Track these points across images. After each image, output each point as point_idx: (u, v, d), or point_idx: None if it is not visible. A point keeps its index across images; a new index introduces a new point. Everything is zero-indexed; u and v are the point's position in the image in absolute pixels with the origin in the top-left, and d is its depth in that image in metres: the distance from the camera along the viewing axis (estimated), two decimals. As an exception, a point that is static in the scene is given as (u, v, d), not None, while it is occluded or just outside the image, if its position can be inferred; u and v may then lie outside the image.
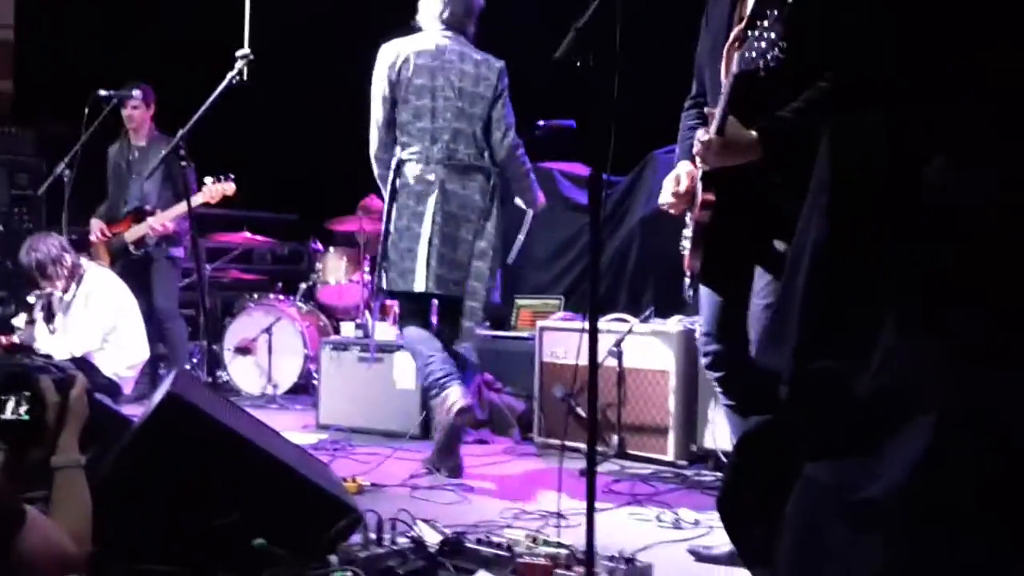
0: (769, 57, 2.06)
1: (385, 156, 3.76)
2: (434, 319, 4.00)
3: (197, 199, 4.97)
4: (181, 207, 5.14)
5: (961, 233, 1.58)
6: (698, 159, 2.41)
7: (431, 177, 3.66)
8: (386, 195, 3.78)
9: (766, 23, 2.07)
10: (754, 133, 2.27)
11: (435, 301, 3.91)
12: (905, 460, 1.33)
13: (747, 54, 2.11)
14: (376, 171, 3.83)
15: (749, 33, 2.12)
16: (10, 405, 1.84)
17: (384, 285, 3.78)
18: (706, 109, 2.42)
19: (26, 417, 1.84)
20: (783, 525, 1.58)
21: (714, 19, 2.50)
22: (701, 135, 2.35)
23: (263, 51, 4.09)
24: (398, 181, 3.72)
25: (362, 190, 7.25)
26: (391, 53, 3.72)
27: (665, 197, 2.57)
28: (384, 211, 3.78)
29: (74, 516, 1.85)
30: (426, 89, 3.67)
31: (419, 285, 3.66)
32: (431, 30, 3.77)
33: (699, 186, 2.43)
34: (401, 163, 3.71)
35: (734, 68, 2.17)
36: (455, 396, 3.49)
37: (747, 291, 2.44)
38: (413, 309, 3.85)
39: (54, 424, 1.90)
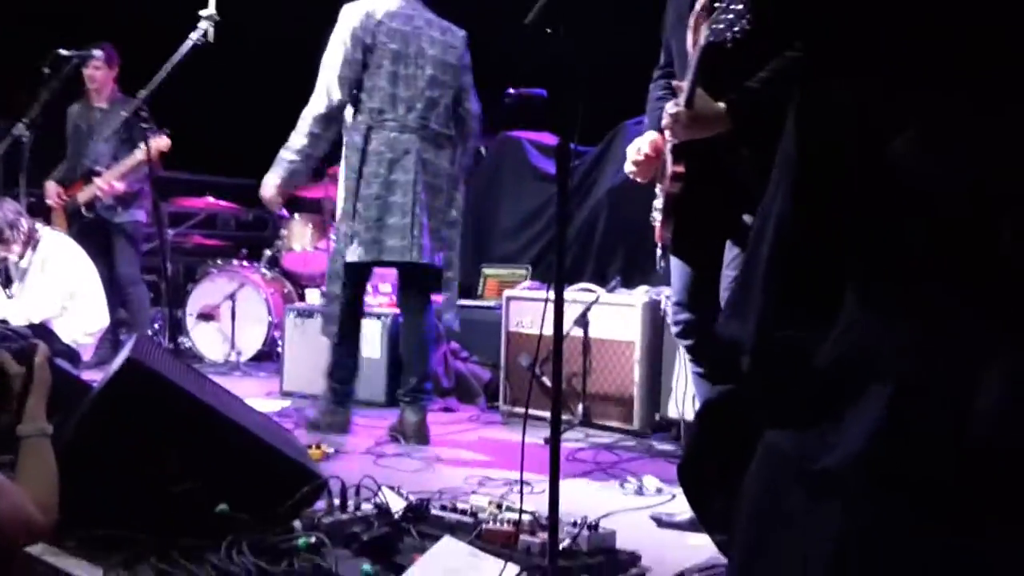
0: (736, 29, 2.05)
1: (338, 116, 3.61)
2: (392, 290, 3.98)
3: (136, 156, 4.90)
4: (124, 165, 5.06)
5: (928, 208, 1.59)
6: (667, 132, 2.40)
7: (407, 146, 3.57)
8: (345, 160, 3.67)
9: None
10: (722, 105, 2.27)
11: (395, 272, 3.87)
12: (862, 429, 1.35)
13: (714, 26, 2.10)
14: (312, 130, 3.59)
15: (716, 4, 2.11)
16: None
17: (349, 257, 3.61)
18: (674, 82, 2.41)
19: None
20: (741, 491, 1.60)
21: None
22: (670, 107, 2.35)
23: (229, 10, 4.02)
24: (368, 148, 3.58)
25: (330, 157, 7.19)
26: (359, 12, 3.58)
27: (627, 166, 2.57)
28: (344, 177, 3.65)
29: (41, 484, 1.84)
30: (400, 55, 3.59)
31: (396, 255, 3.57)
32: None
33: (669, 158, 2.43)
34: (370, 128, 3.59)
35: (701, 40, 2.17)
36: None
37: (718, 261, 2.45)
38: (356, 280, 3.73)
39: (19, 394, 1.88)
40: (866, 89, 1.79)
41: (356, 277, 3.71)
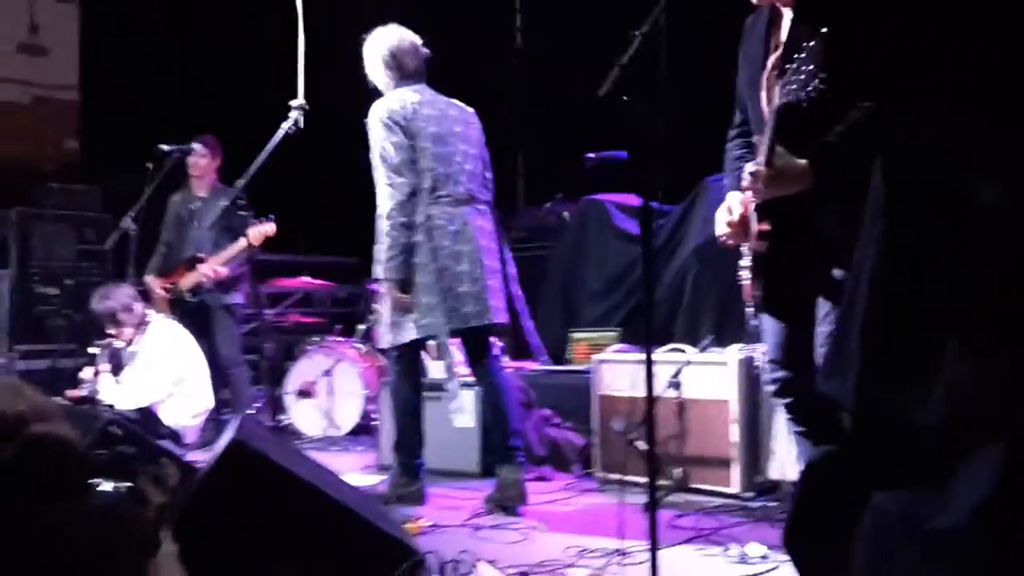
0: (810, 88, 2.05)
1: (413, 198, 3.67)
2: (461, 354, 4.05)
3: (240, 243, 5.10)
4: (229, 252, 5.27)
5: (1020, 256, 1.54)
6: (749, 191, 2.39)
7: (464, 218, 3.74)
8: (415, 243, 3.68)
9: (803, 54, 2.06)
10: (803, 162, 2.25)
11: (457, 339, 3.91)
12: (974, 490, 1.29)
13: (788, 87, 2.10)
14: (400, 220, 3.64)
15: (787, 65, 2.11)
16: (105, 487, 1.89)
17: (422, 332, 3.71)
18: (754, 138, 2.41)
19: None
20: (851, 557, 1.54)
21: (750, 48, 2.51)
22: (750, 167, 2.34)
23: (320, 99, 4.21)
24: (431, 224, 3.67)
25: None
26: (394, 104, 3.74)
27: (720, 229, 2.56)
28: (415, 260, 3.67)
29: None
30: (439, 136, 3.77)
31: (474, 320, 3.69)
32: (405, 84, 3.84)
33: (753, 216, 2.42)
34: (429, 207, 3.70)
35: (776, 100, 2.17)
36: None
37: (810, 317, 2.41)
38: (415, 354, 3.91)
39: (153, 520, 1.95)
40: (952, 137, 1.76)
41: (415, 351, 3.88)
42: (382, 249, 3.73)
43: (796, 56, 2.08)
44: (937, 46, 1.64)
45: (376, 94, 3.88)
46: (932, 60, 1.65)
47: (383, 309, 3.83)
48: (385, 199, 3.70)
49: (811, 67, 2.02)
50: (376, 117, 3.75)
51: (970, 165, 1.61)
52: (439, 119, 3.80)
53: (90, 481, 2.00)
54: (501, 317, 3.79)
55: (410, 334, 3.74)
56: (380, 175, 3.74)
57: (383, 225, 3.71)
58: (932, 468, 1.51)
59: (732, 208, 2.50)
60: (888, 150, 1.79)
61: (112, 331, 4.71)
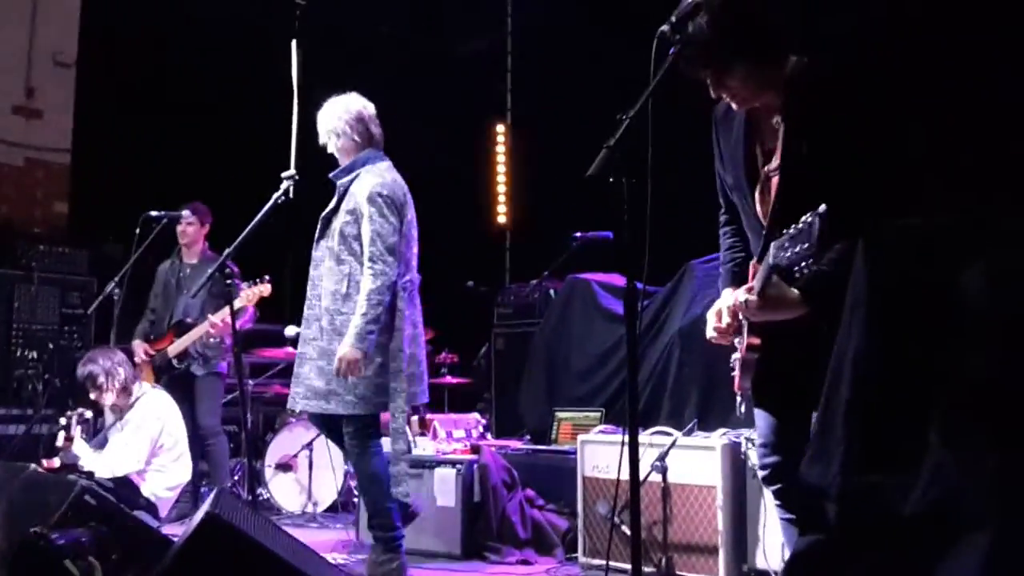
0: (804, 266, 2.05)
1: (393, 287, 3.68)
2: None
3: (237, 303, 5.07)
4: (225, 310, 5.23)
5: (1005, 342, 1.55)
6: (740, 314, 2.40)
7: (416, 303, 3.85)
8: (397, 320, 3.72)
9: (801, 227, 2.02)
10: (796, 292, 2.26)
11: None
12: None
13: (781, 254, 2.09)
14: (386, 299, 3.63)
15: (783, 231, 2.08)
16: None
17: (408, 403, 3.76)
18: (752, 263, 2.40)
19: None
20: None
21: (727, 147, 2.50)
22: (741, 295, 2.36)
23: (309, 167, 4.26)
24: (406, 311, 3.73)
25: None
26: (395, 185, 3.77)
27: (709, 331, 2.56)
28: (399, 337, 3.69)
29: None
30: (412, 223, 3.85)
31: (423, 398, 3.88)
32: (372, 152, 3.85)
33: (745, 328, 2.42)
34: (407, 292, 3.77)
35: (769, 260, 2.15)
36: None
37: (801, 407, 2.39)
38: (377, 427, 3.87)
39: None
40: (934, 223, 1.79)
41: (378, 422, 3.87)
42: (369, 319, 3.60)
43: (791, 226, 2.05)
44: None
45: (330, 158, 3.91)
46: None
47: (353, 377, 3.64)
48: (376, 273, 3.61)
49: (806, 245, 2.00)
50: (376, 193, 3.68)
51: (956, 251, 1.64)
52: (412, 204, 3.87)
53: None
54: (426, 397, 3.90)
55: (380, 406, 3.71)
56: (366, 252, 3.64)
57: (371, 297, 3.59)
58: (915, 560, 1.49)
59: (722, 313, 2.49)
60: (871, 238, 1.82)
61: (93, 395, 4.65)
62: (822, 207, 1.97)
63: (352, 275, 3.69)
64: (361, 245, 3.68)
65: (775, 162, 2.35)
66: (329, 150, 3.93)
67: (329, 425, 3.88)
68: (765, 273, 2.23)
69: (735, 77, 2.29)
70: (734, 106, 2.41)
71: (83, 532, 2.19)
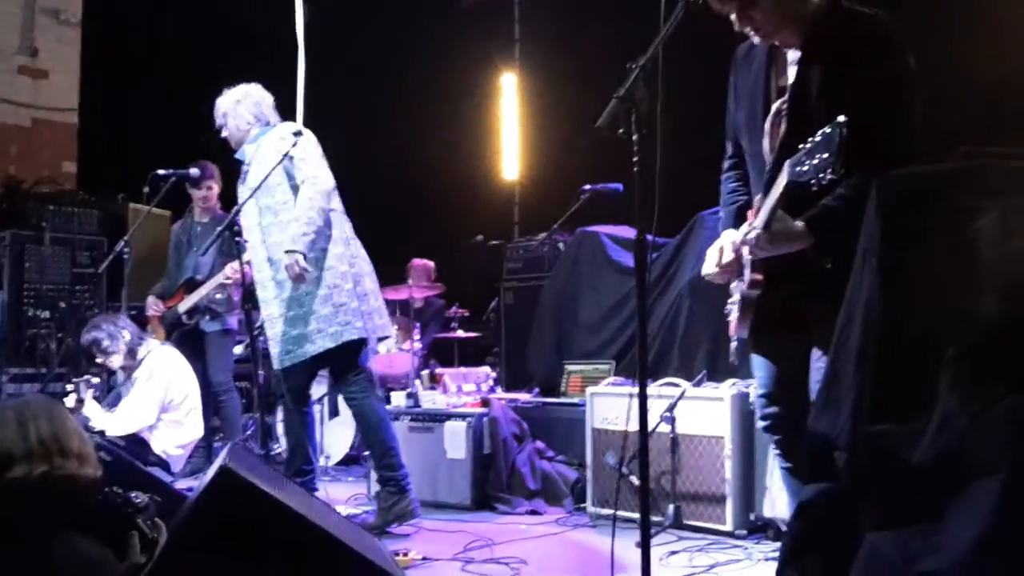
0: (822, 176, 2.00)
1: None
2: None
3: (237, 264, 5.07)
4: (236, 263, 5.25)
5: (1017, 289, 1.54)
6: (745, 249, 2.38)
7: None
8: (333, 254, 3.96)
9: (819, 139, 1.99)
10: (800, 224, 2.24)
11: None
12: (967, 531, 1.27)
13: (798, 168, 2.05)
14: (320, 224, 3.88)
15: (800, 146, 2.06)
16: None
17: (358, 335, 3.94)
18: (756, 199, 2.39)
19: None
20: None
21: (746, 84, 2.49)
22: (747, 229, 2.34)
23: (315, 124, 4.23)
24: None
25: (408, 255, 7.35)
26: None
27: (708, 268, 2.55)
28: (332, 269, 3.92)
29: None
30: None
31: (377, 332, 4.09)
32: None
33: (748, 265, 2.41)
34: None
35: (784, 178, 2.14)
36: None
37: (801, 354, 2.39)
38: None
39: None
40: (948, 168, 1.76)
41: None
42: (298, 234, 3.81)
43: (810, 140, 2.02)
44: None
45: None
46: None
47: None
48: (303, 187, 3.87)
49: (826, 155, 1.96)
50: (313, 143, 3.99)
51: (970, 197, 1.62)
52: None
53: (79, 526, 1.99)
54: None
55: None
56: (304, 189, 3.87)
57: (304, 211, 3.82)
58: (925, 508, 1.49)
59: (724, 249, 2.49)
60: (886, 179, 1.80)
61: (100, 360, 4.68)
62: (841, 117, 1.95)
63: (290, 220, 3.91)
64: (288, 188, 3.94)
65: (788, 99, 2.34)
66: (223, 135, 4.21)
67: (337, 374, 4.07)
68: (774, 202, 2.20)
69: (760, 8, 2.29)
70: (756, 40, 2.39)
71: (143, 495, 2.25)
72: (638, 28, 2.50)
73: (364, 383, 4.00)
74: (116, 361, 4.71)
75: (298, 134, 3.91)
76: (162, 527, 2.15)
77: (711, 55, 2.77)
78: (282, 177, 3.93)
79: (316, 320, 3.86)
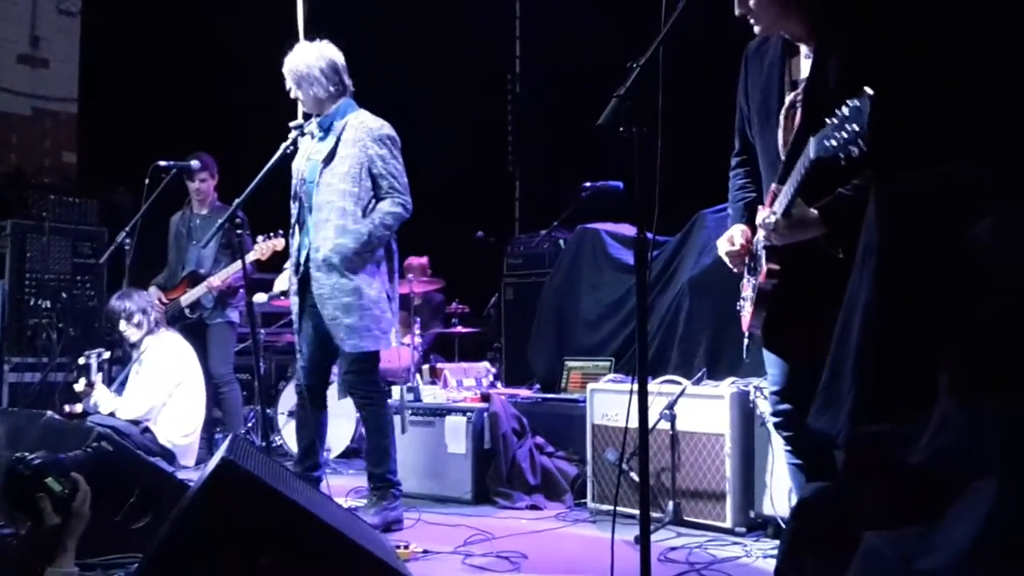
0: (853, 148, 1.95)
1: None
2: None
3: (250, 256, 5.09)
4: (236, 266, 5.27)
5: (1014, 294, 1.55)
6: (761, 233, 2.39)
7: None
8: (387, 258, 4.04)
9: (846, 112, 1.96)
10: (815, 212, 2.26)
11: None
12: (964, 531, 1.29)
13: (826, 142, 2.01)
14: (390, 236, 4.00)
15: (828, 120, 2.01)
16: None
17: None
18: (773, 186, 2.39)
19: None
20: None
21: (758, 77, 2.49)
22: (765, 214, 2.34)
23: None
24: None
25: (404, 252, 7.35)
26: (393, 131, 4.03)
27: (721, 252, 2.57)
28: (388, 272, 4.03)
29: None
30: None
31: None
32: (346, 101, 4.03)
33: (763, 254, 2.42)
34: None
35: (811, 154, 2.08)
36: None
37: (813, 352, 2.40)
38: None
39: (51, 540, 1.94)
40: (946, 175, 1.77)
41: None
42: (358, 247, 3.85)
43: (837, 112, 1.98)
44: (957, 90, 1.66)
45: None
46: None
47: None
48: (386, 203, 3.88)
49: (855, 127, 1.93)
50: (388, 135, 3.92)
51: (967, 203, 1.62)
52: None
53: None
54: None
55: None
56: (384, 185, 3.88)
57: (378, 217, 3.87)
58: (922, 507, 1.50)
59: (734, 238, 2.51)
60: (885, 185, 1.80)
61: (122, 327, 4.77)
62: (868, 90, 1.91)
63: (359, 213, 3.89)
64: (369, 183, 3.89)
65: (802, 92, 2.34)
66: (294, 95, 3.99)
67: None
68: (795, 188, 2.20)
69: None
70: (756, 29, 2.40)
71: (65, 454, 2.25)
72: (640, 26, 2.50)
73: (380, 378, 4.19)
74: (134, 335, 4.80)
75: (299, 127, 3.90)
76: (78, 480, 2.13)
77: (714, 52, 2.78)
78: (364, 170, 3.92)
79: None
